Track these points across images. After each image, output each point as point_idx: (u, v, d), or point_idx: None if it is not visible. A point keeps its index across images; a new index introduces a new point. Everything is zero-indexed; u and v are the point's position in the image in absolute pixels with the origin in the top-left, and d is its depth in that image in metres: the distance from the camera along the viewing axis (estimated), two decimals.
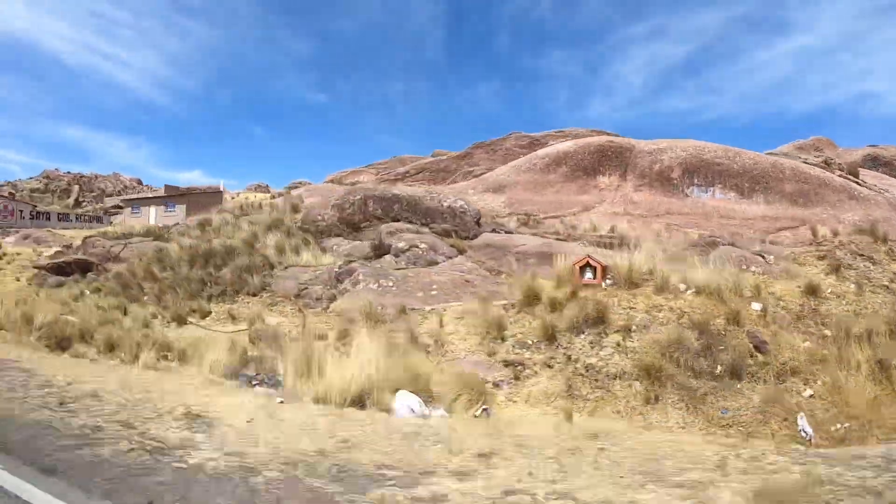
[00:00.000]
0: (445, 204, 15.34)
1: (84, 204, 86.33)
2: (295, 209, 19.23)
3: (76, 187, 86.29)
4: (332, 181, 71.28)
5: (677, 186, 26.61)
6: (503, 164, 61.40)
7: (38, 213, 39.72)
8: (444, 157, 62.69)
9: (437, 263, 11.93)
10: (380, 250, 13.22)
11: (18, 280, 18.55)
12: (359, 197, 15.39)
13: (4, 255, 23.47)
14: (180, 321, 10.49)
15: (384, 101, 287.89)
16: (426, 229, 14.63)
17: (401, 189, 16.94)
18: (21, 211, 37.98)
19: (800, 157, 27.53)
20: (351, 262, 12.71)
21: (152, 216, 38.12)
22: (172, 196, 39.02)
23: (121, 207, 59.93)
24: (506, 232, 16.10)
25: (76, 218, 41.41)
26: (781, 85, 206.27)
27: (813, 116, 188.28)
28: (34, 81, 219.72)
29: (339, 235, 14.78)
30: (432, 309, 9.31)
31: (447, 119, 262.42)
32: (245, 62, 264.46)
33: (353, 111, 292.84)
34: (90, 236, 20.24)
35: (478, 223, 15.12)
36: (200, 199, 37.41)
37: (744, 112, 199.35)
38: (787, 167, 24.79)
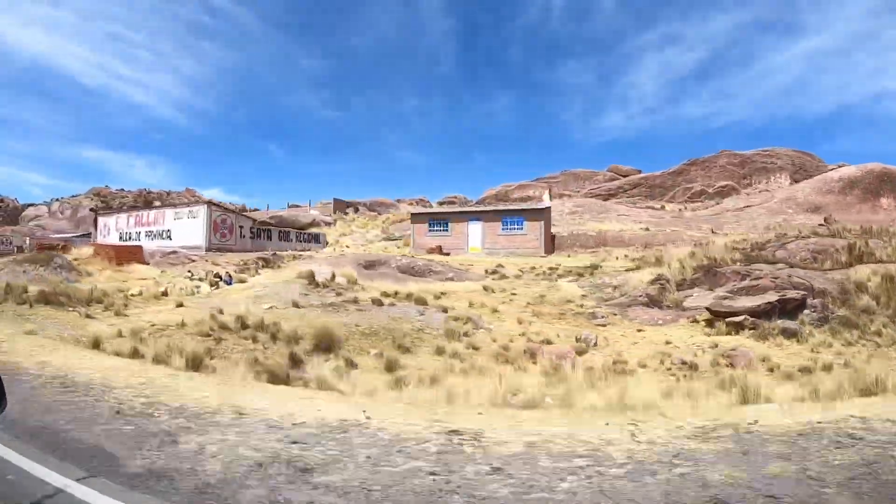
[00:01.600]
0: None
1: None
2: None
3: (157, 204, 74.01)
4: (495, 195, 61.90)
5: None
6: (722, 180, 54.56)
7: (258, 230, 28.74)
8: (658, 174, 55.29)
9: None
10: None
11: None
12: None
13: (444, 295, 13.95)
14: None
15: (399, 117, 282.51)
16: None
17: None
18: (241, 227, 26.99)
19: None
20: None
21: (475, 235, 28.23)
22: (510, 212, 30.09)
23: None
24: None
25: (296, 237, 30.69)
26: (795, 87, 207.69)
27: (829, 118, 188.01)
28: (53, 104, 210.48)
29: None
30: None
31: (463, 133, 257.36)
32: (259, 81, 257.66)
33: (368, 128, 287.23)
34: None
35: None
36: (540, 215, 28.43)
37: (759, 116, 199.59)
38: None
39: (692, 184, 55.61)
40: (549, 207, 31.86)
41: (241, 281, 19.50)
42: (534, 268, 23.25)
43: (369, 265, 20.21)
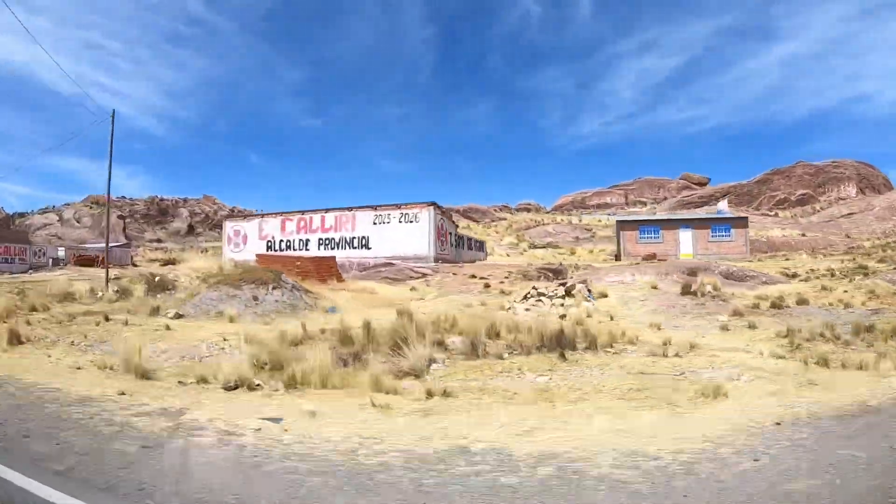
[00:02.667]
0: None
1: (200, 231, 67.09)
2: None
3: (184, 211, 66.32)
4: (571, 203, 60.29)
5: None
6: (801, 189, 56.37)
7: (458, 238, 25.57)
8: (746, 183, 56.31)
9: None
10: None
11: None
12: None
13: None
14: None
15: (380, 125, 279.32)
16: None
17: None
18: (450, 234, 23.97)
19: None
20: None
21: (686, 242, 27.78)
22: (718, 220, 29.20)
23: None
24: None
25: (475, 245, 27.78)
26: (773, 92, 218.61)
27: (806, 122, 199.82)
28: (32, 113, 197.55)
29: None
30: None
31: (443, 141, 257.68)
32: (239, 90, 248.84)
33: (348, 136, 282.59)
34: None
35: None
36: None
37: (737, 121, 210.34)
38: None
39: (776, 192, 57.35)
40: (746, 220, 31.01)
41: (603, 295, 16.37)
42: (812, 270, 22.37)
43: (692, 272, 18.19)
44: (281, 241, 27.60)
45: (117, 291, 16.62)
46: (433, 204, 23.17)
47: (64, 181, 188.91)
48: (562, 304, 15.42)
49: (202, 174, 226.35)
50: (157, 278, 17.74)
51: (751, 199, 55.28)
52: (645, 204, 56.19)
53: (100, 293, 16.59)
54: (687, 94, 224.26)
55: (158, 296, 15.82)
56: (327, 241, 25.78)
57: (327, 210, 26.20)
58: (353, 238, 24.95)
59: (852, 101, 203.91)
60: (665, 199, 58.50)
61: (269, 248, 27.83)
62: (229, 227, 30.35)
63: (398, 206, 23.89)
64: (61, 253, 47.91)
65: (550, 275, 19.85)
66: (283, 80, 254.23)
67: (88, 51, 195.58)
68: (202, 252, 56.40)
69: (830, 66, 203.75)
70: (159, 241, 62.21)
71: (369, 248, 24.33)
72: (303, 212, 27.18)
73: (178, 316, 12.76)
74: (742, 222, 29.95)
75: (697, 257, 28.65)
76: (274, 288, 15.82)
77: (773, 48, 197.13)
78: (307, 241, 26.51)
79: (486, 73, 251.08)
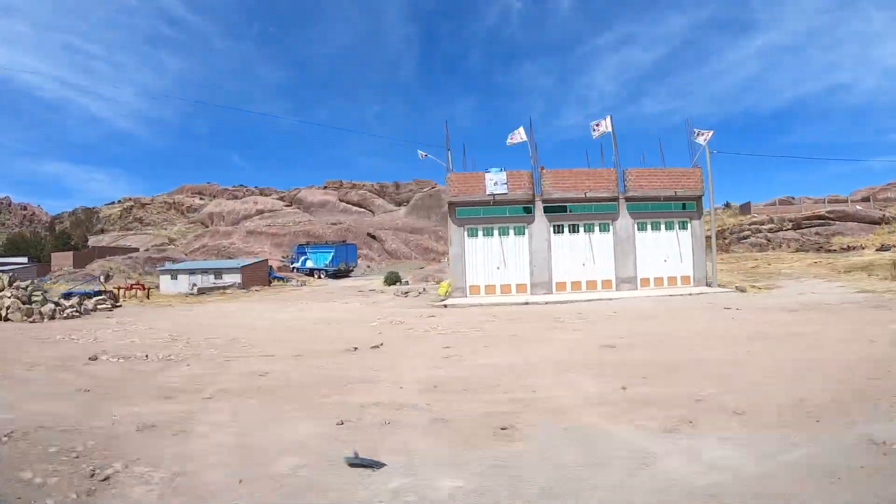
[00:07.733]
0: None
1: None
2: None
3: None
4: (869, 197, 59.87)
5: None
6: None
7: None
8: None
9: None
10: None
11: None
12: None
13: None
14: None
15: (361, 124, 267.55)
16: None
17: None
18: None
19: None
20: None
21: None
22: None
23: None
24: None
25: None
26: (751, 83, 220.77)
27: (784, 112, 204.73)
28: (10, 119, 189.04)
29: None
30: None
31: (425, 139, 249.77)
32: (220, 92, 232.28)
33: (330, 136, 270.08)
34: None
35: None
36: None
37: (716, 112, 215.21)
38: None
39: None
40: None
41: None
42: None
43: None
44: None
45: None
46: None
47: (43, 185, 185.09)
48: None
49: (183, 175, 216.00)
50: None
51: None
52: None
53: None
54: (667, 86, 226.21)
55: None
56: None
57: None
58: None
59: (829, 91, 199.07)
60: None
61: None
62: None
63: None
64: None
65: None
66: (264, 80, 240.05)
67: (68, 54, 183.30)
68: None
69: (807, 56, 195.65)
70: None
71: None
72: None
73: None
74: None
75: None
76: None
77: (751, 40, 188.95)
78: None
79: (467, 70, 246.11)
